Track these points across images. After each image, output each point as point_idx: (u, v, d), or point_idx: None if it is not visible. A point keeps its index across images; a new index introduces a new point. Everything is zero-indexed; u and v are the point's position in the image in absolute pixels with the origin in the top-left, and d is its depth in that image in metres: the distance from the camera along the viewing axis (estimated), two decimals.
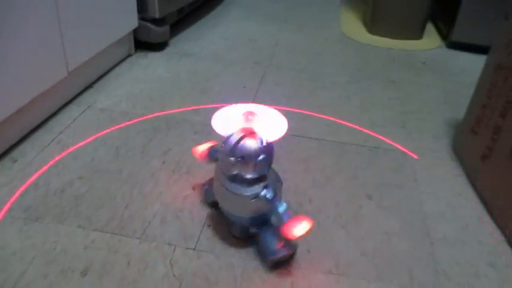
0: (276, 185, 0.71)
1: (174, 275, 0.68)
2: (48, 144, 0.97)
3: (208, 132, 1.04)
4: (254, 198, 0.68)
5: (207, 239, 0.75)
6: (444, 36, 1.77)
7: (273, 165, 0.71)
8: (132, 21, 1.35)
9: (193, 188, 0.86)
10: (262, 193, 0.68)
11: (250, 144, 0.65)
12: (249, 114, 0.71)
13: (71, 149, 0.96)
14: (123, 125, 1.05)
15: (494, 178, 0.86)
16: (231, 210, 0.72)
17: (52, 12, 0.97)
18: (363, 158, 0.99)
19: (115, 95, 1.18)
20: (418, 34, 1.76)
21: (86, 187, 0.85)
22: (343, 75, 1.39)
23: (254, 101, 1.20)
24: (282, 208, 0.68)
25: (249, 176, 0.67)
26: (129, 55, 1.42)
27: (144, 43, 1.46)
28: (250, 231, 0.74)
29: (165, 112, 1.11)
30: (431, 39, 1.78)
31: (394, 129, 1.11)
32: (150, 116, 1.09)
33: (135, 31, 1.41)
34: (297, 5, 2.09)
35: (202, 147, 0.80)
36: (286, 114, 1.12)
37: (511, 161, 0.81)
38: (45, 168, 0.90)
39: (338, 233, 0.79)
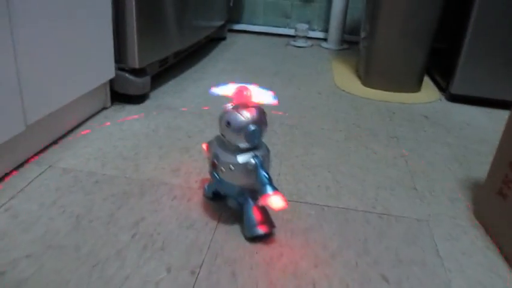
0: (267, 155, 0.77)
1: None
2: None
3: (190, 198, 0.89)
4: (246, 164, 0.74)
5: None
6: (443, 88, 1.68)
7: None
8: (108, 71, 1.22)
9: None
10: (252, 160, 0.74)
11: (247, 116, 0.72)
12: (243, 89, 0.73)
13: (22, 218, 0.79)
14: (88, 188, 0.89)
15: None
16: (234, 181, 0.76)
17: (8, 54, 0.83)
18: (372, 228, 0.84)
19: (83, 153, 1.03)
20: (416, 87, 1.67)
21: (33, 268, 0.68)
22: (340, 131, 1.26)
23: None
24: (265, 177, 0.73)
25: (244, 146, 0.74)
26: (104, 108, 1.28)
27: (122, 95, 1.32)
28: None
29: (139, 173, 0.96)
30: (429, 92, 1.68)
31: (404, 192, 0.97)
32: (122, 177, 0.94)
33: (111, 82, 1.28)
34: (286, 58, 2.00)
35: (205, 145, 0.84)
36: (278, 174, 0.99)
37: None
38: None
39: None
